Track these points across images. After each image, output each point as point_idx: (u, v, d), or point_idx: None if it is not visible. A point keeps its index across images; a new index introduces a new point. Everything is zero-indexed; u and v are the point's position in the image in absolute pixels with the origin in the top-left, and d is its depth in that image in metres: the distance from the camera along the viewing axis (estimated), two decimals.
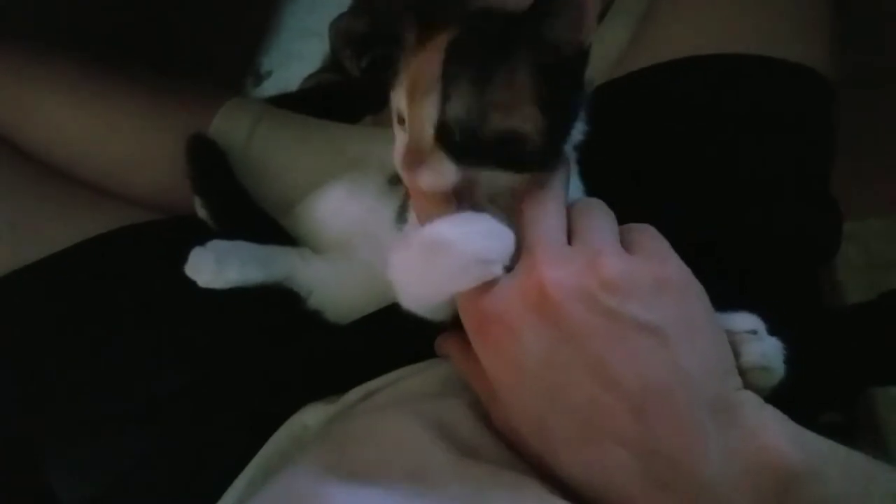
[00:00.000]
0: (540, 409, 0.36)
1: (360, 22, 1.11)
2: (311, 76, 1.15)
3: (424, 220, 0.39)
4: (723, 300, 0.38)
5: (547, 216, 0.38)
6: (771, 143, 0.52)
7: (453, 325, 0.42)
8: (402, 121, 0.40)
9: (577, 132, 0.41)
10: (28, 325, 0.57)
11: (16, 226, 0.58)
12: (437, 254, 0.37)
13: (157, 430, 0.54)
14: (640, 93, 0.56)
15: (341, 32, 1.12)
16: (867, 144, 0.81)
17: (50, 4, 0.81)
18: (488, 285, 0.37)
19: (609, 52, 0.61)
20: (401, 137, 0.40)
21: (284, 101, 0.73)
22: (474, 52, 0.37)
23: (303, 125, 0.68)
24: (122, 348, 0.56)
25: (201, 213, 0.61)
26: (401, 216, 0.48)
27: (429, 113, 0.37)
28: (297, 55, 1.24)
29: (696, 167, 0.52)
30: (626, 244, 0.38)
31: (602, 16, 0.68)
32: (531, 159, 0.39)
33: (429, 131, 0.38)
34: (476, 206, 0.39)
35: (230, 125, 0.65)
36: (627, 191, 0.42)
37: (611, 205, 0.41)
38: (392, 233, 0.48)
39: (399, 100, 0.39)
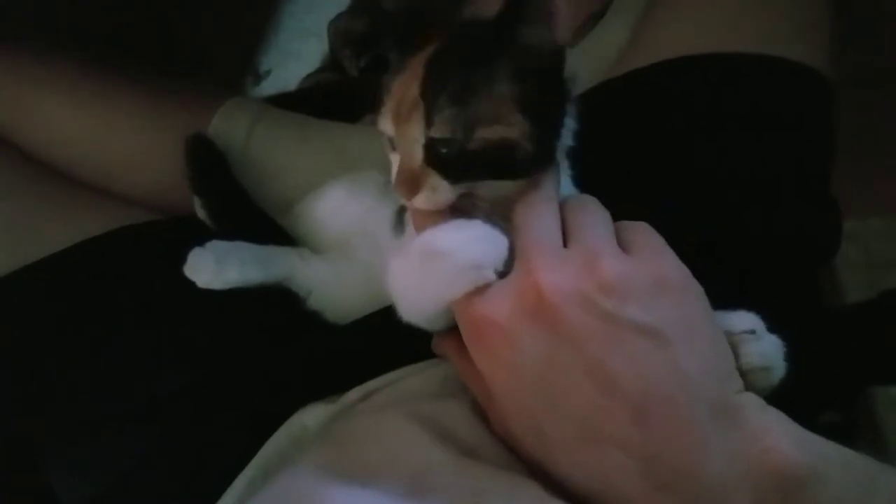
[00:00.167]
0: (538, 412, 0.36)
1: (358, 22, 1.11)
2: (309, 76, 1.15)
3: (420, 229, 0.39)
4: (722, 300, 0.37)
5: (540, 218, 0.38)
6: (770, 142, 0.52)
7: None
8: (392, 145, 0.40)
9: (567, 131, 0.41)
10: (28, 325, 0.57)
11: (16, 226, 0.58)
12: (431, 261, 0.37)
13: (157, 430, 0.54)
14: (638, 92, 0.56)
15: (340, 32, 1.12)
16: (867, 144, 0.81)
17: (50, 4, 0.81)
18: (483, 290, 0.37)
19: (608, 51, 0.61)
20: (394, 161, 0.40)
21: (283, 101, 0.73)
22: (452, 67, 0.37)
23: (302, 125, 0.68)
24: (122, 348, 0.56)
25: (200, 213, 0.61)
26: (398, 223, 0.48)
27: (415, 135, 0.37)
28: (296, 55, 1.24)
29: (695, 166, 0.52)
30: (622, 243, 0.37)
31: (601, 15, 0.68)
32: (524, 165, 0.39)
33: (418, 153, 0.38)
34: (472, 214, 0.39)
35: (229, 125, 0.65)
36: (627, 190, 0.41)
37: (610, 204, 0.41)
38: (391, 234, 0.48)
39: (385, 126, 0.39)
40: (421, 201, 0.38)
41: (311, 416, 0.50)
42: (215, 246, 0.55)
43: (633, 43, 0.60)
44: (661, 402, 0.33)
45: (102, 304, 0.57)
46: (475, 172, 0.38)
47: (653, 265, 0.36)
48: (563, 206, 0.40)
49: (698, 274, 0.37)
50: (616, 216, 0.40)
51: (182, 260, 0.54)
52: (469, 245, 0.37)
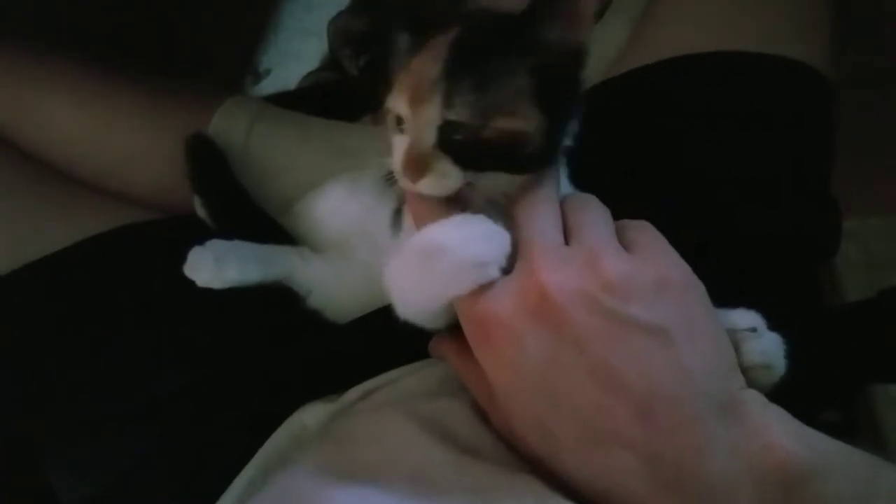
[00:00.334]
0: (541, 412, 0.35)
1: (358, 21, 1.11)
2: (309, 75, 1.15)
3: (420, 224, 0.39)
4: (722, 299, 0.38)
5: (541, 216, 0.38)
6: (768, 141, 0.52)
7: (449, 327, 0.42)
8: (400, 126, 0.39)
9: (571, 130, 0.41)
10: (28, 325, 0.57)
11: (16, 225, 0.58)
12: (432, 259, 0.36)
13: (157, 430, 0.54)
14: (637, 91, 0.56)
15: (339, 31, 1.12)
16: (867, 144, 0.81)
17: (50, 4, 0.81)
18: (486, 288, 0.36)
19: (607, 51, 0.61)
20: (399, 143, 0.39)
21: (283, 100, 0.73)
22: (475, 54, 0.37)
23: (301, 124, 0.68)
24: (122, 348, 0.56)
25: (201, 212, 0.61)
26: (396, 222, 0.47)
27: (431, 117, 0.37)
28: (296, 54, 1.24)
29: (693, 165, 0.52)
30: (624, 242, 0.37)
31: (600, 15, 0.68)
32: (531, 160, 0.39)
33: (430, 136, 0.37)
34: (473, 210, 0.39)
35: (229, 124, 0.65)
36: (624, 189, 0.41)
37: (608, 203, 0.41)
38: (389, 233, 0.48)
39: (398, 104, 0.39)
40: (426, 185, 0.38)
41: (310, 416, 0.50)
42: (215, 245, 0.55)
43: (632, 42, 0.60)
44: (664, 401, 0.33)
45: (102, 303, 0.57)
46: (483, 162, 0.38)
47: (655, 264, 0.36)
48: (563, 204, 0.40)
49: (697, 273, 0.37)
50: (614, 215, 0.40)
51: (182, 259, 0.54)
52: (472, 242, 0.36)
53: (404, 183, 0.39)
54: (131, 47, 0.86)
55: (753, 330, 0.38)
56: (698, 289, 0.37)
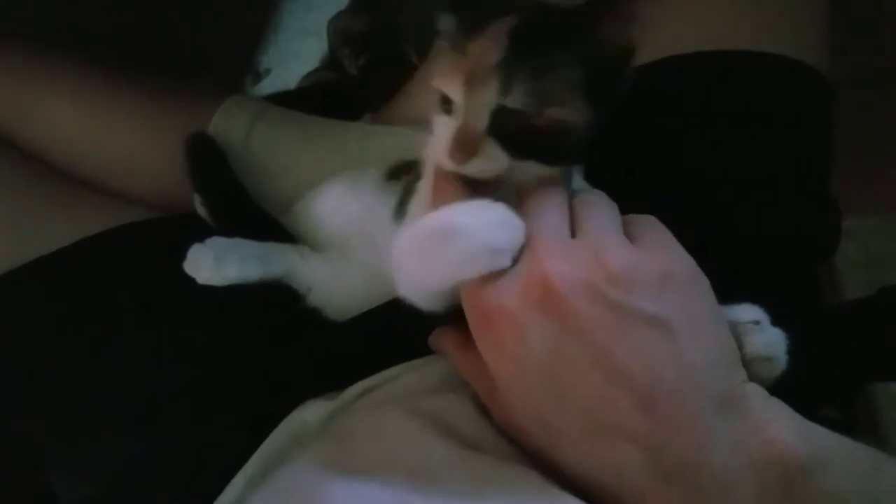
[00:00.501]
0: (543, 403, 0.36)
1: (358, 21, 1.11)
2: (309, 74, 1.15)
3: (440, 205, 0.39)
4: (722, 298, 0.38)
5: (549, 210, 0.38)
6: (766, 140, 0.52)
7: (449, 320, 0.42)
8: (447, 108, 0.39)
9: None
10: (28, 325, 0.57)
11: (16, 224, 0.58)
12: (448, 239, 0.36)
13: (157, 430, 0.54)
14: (635, 90, 0.56)
15: (339, 31, 1.12)
16: (867, 144, 0.81)
17: (50, 4, 0.81)
18: (493, 277, 0.36)
19: None
20: (444, 125, 0.39)
21: (283, 99, 0.73)
22: (534, 44, 0.37)
23: (301, 123, 0.68)
24: (122, 348, 0.56)
25: (201, 211, 0.61)
26: (399, 212, 0.47)
27: (487, 101, 0.37)
28: (296, 54, 1.24)
29: (692, 164, 0.52)
30: (630, 236, 0.38)
31: None
32: (571, 152, 0.39)
33: (483, 119, 0.37)
34: (493, 197, 0.38)
35: (229, 123, 0.65)
36: (624, 188, 0.41)
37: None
38: (390, 229, 0.48)
39: (449, 86, 0.39)
40: (473, 167, 0.38)
41: (310, 413, 0.50)
42: (215, 242, 0.55)
43: None
44: (667, 393, 0.33)
45: (102, 303, 0.57)
46: (528, 149, 0.38)
47: (660, 257, 0.36)
48: (572, 200, 0.40)
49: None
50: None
51: (183, 258, 0.54)
52: (490, 227, 0.36)
53: (446, 162, 0.39)
54: (131, 47, 0.86)
55: (757, 323, 0.38)
56: (703, 283, 0.37)
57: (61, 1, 0.84)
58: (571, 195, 0.40)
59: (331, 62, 1.16)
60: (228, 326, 0.56)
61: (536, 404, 0.36)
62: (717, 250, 0.41)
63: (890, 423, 0.91)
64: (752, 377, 0.36)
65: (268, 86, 1.24)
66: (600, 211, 0.39)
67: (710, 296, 0.37)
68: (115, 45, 0.87)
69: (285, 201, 0.62)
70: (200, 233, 0.56)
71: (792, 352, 0.38)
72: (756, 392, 0.35)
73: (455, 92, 0.38)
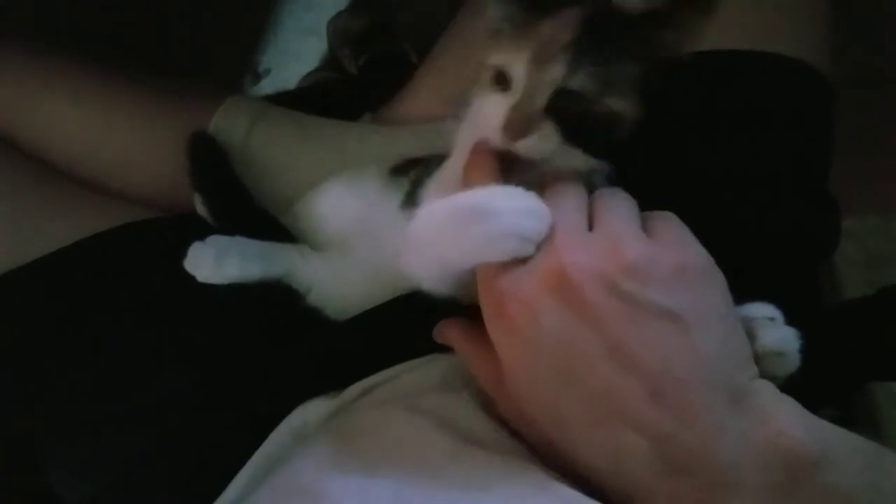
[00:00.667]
0: (554, 392, 0.36)
1: (357, 21, 1.11)
2: (309, 74, 1.15)
3: (470, 185, 0.39)
4: None
5: (569, 201, 0.39)
6: (765, 140, 0.52)
7: (453, 312, 0.42)
8: (501, 84, 0.39)
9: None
10: (28, 325, 0.57)
11: (16, 224, 0.58)
12: (479, 219, 0.36)
13: (157, 430, 0.54)
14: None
15: (339, 31, 1.12)
16: (867, 144, 0.81)
17: (50, 4, 0.81)
18: (511, 265, 0.37)
19: None
20: (497, 101, 0.39)
21: (283, 99, 0.73)
22: (604, 33, 0.38)
23: (301, 122, 0.68)
24: (122, 348, 0.56)
25: (201, 210, 0.61)
26: (408, 202, 0.47)
27: (552, 79, 0.37)
28: (296, 54, 1.24)
29: (692, 164, 0.52)
30: (647, 231, 0.38)
31: None
32: (613, 147, 0.40)
33: (543, 98, 0.38)
34: (520, 183, 0.39)
35: (229, 123, 0.65)
36: (623, 188, 0.42)
37: None
38: (391, 228, 0.48)
39: (509, 61, 0.39)
40: (526, 145, 0.38)
41: (311, 412, 0.50)
42: (215, 241, 0.55)
43: None
44: (677, 384, 0.33)
45: (103, 303, 0.57)
46: (579, 135, 0.38)
47: (675, 251, 0.36)
48: (592, 196, 0.40)
49: None
50: None
51: (183, 257, 0.54)
52: (521, 214, 0.36)
53: (499, 138, 0.39)
54: (131, 47, 0.86)
55: (772, 319, 0.38)
56: (718, 278, 0.37)
57: (61, 1, 0.84)
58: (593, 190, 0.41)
59: (331, 62, 1.16)
60: (228, 326, 0.56)
61: (546, 393, 0.36)
62: (717, 250, 0.41)
63: (890, 422, 0.91)
64: (764, 373, 0.36)
65: (268, 86, 1.24)
66: (619, 204, 0.39)
67: (725, 291, 0.37)
68: (115, 45, 0.87)
69: (285, 201, 0.62)
70: (200, 233, 0.56)
71: (803, 351, 0.38)
72: (766, 388, 0.35)
73: (518, 69, 0.38)
